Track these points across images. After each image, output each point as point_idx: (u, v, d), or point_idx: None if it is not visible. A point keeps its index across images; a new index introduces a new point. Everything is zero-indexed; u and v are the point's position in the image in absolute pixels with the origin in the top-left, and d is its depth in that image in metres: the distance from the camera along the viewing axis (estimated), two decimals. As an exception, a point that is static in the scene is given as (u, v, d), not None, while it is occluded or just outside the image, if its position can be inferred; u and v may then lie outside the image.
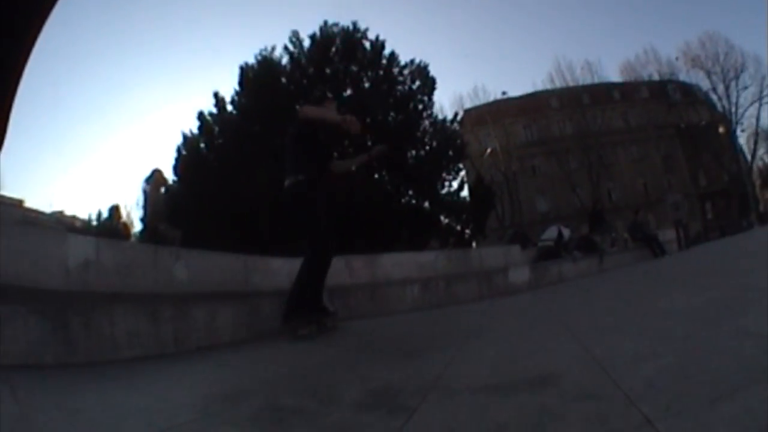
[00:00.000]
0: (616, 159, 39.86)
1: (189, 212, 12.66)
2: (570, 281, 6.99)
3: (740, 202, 25.43)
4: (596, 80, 39.92)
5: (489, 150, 34.59)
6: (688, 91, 42.84)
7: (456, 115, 21.97)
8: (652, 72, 42.15)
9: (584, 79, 39.70)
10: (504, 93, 38.66)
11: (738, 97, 40.62)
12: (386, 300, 4.84)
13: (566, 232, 9.95)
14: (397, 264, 5.83)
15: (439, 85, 17.87)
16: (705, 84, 41.19)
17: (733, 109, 40.73)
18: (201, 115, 15.69)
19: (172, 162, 15.55)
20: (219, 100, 15.61)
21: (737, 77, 40.67)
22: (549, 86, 39.81)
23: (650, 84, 41.84)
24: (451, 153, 18.74)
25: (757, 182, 46.00)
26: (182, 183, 15.07)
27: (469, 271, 6.46)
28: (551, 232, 9.99)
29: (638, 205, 24.05)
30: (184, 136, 15.79)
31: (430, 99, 18.48)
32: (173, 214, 9.73)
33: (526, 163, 35.53)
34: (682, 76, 42.20)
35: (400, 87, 17.68)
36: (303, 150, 3.05)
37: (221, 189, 13.05)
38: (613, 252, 10.81)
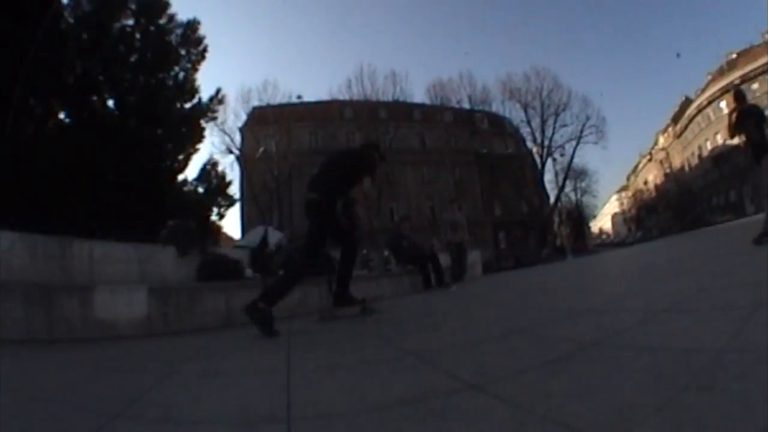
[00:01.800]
0: (404, 178, 37.68)
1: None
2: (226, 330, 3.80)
3: (539, 234, 23.87)
4: (399, 96, 38.11)
5: (261, 149, 32.07)
6: (497, 121, 42.45)
7: (218, 91, 20.12)
8: (463, 97, 41.21)
9: (386, 93, 37.63)
10: (299, 97, 35.75)
11: (554, 133, 40.83)
12: None
13: (276, 237, 6.79)
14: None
15: (228, 74, 17.49)
16: (521, 116, 41.31)
17: (546, 143, 40.55)
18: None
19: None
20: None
21: (558, 114, 40.99)
22: (347, 95, 37.70)
23: (457, 110, 41.04)
24: (184, 130, 16.84)
25: (557, 219, 44.56)
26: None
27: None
28: (254, 235, 6.83)
29: (405, 215, 20.80)
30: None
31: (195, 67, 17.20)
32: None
33: (303, 170, 27.76)
34: (497, 106, 42.10)
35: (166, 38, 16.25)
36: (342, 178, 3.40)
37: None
38: (371, 275, 8.31)
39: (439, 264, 7.13)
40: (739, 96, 4.70)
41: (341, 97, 37.86)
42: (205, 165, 20.69)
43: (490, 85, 47.02)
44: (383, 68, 58.61)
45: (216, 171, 20.64)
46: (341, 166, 3.45)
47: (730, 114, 4.48)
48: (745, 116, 4.34)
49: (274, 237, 6.61)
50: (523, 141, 42.22)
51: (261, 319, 2.78)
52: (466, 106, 41.54)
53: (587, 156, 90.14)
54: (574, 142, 40.76)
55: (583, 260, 14.00)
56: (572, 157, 41.27)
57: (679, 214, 47.21)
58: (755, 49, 40.25)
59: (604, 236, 73.31)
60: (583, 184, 46.85)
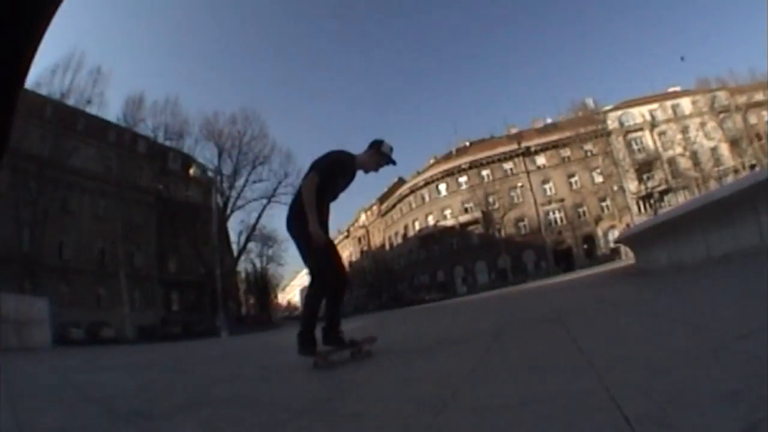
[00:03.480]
0: (80, 207, 29.23)
1: None
2: None
3: (220, 300, 21.86)
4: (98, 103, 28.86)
5: None
6: (189, 163, 34.29)
7: None
8: (161, 124, 32.83)
9: (86, 93, 28.03)
10: None
11: (245, 186, 35.34)
12: None
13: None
14: None
15: None
16: (215, 161, 34.78)
17: (234, 196, 35.10)
18: None
19: None
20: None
21: (255, 166, 35.38)
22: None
23: (152, 141, 32.97)
24: None
25: (243, 286, 44.24)
26: None
27: None
28: None
29: None
30: None
31: None
32: None
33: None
34: (191, 144, 34.71)
35: None
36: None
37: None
38: None
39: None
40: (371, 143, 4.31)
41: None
42: None
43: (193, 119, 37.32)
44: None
45: None
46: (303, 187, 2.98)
47: None
48: None
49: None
50: (215, 191, 33.44)
51: (303, 342, 2.79)
52: (161, 137, 33.20)
53: (279, 220, 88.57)
54: (265, 201, 35.61)
55: (236, 340, 12.22)
56: (259, 217, 35.90)
57: (376, 292, 48.54)
58: (493, 140, 46.06)
59: (295, 311, 66.93)
60: (270, 251, 42.33)
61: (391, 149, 3.14)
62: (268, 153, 35.96)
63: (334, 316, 3.05)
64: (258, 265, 45.01)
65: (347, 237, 63.07)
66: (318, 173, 2.87)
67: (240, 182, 35.35)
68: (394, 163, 3.16)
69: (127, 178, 30.90)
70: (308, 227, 2.75)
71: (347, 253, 61.35)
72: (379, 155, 3.10)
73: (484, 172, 41.23)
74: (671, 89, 47.00)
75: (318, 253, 2.86)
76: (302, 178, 3.09)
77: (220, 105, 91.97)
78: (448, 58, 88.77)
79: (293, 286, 72.15)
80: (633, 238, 9.85)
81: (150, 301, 30.88)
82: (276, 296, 69.05)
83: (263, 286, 47.40)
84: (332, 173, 2.97)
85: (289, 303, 75.56)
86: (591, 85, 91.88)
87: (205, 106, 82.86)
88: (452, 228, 42.04)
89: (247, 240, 37.24)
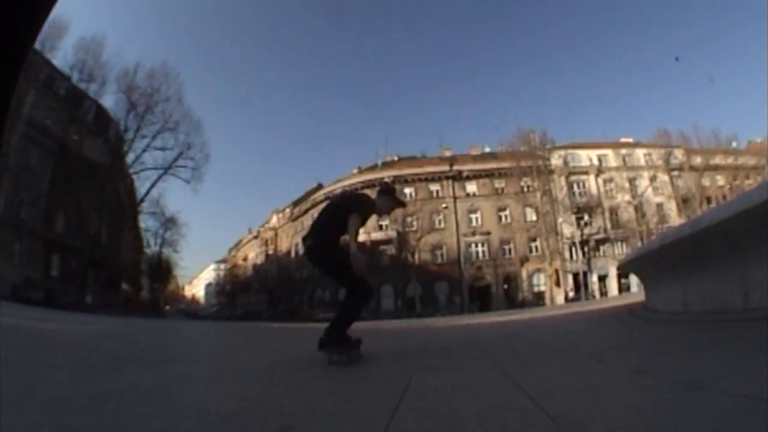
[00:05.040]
0: None
1: None
2: None
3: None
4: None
5: None
6: (105, 117, 31.48)
7: None
8: (80, 62, 29.28)
9: None
10: None
11: (144, 152, 31.35)
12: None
13: None
14: None
15: None
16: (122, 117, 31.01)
17: (132, 158, 31.61)
18: None
19: None
20: None
21: (160, 131, 31.40)
22: None
23: (70, 84, 29.37)
24: None
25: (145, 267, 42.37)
26: None
27: None
28: None
29: None
30: None
31: None
32: None
33: None
34: (101, 90, 30.62)
35: None
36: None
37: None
38: None
39: None
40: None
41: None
42: None
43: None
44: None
45: None
46: (332, 208, 3.50)
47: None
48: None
49: None
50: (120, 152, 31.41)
51: (338, 347, 3.04)
52: (76, 77, 29.46)
53: (174, 196, 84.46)
54: (161, 171, 31.85)
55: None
56: (151, 187, 32.08)
57: (274, 300, 45.26)
58: (424, 159, 42.92)
59: (197, 305, 65.83)
60: (168, 234, 39.05)
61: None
62: (178, 119, 32.14)
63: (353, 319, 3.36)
64: (154, 246, 41.56)
65: (256, 237, 59.01)
66: (360, 216, 3.31)
67: (141, 145, 31.44)
68: (404, 205, 3.95)
69: (35, 115, 26.96)
70: (350, 252, 3.25)
71: (253, 254, 57.71)
72: (393, 201, 3.65)
73: (407, 190, 37.60)
74: (623, 139, 44.47)
75: (357, 270, 3.29)
76: (332, 211, 3.47)
77: (143, 56, 75.71)
78: (389, 69, 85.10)
79: (201, 279, 67.97)
80: (645, 261, 6.58)
81: (28, 258, 26.52)
82: (181, 287, 64.94)
83: (157, 269, 43.77)
84: (364, 217, 3.43)
85: (193, 297, 70.87)
86: (541, 120, 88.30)
87: (129, 55, 70.79)
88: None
89: (135, 212, 33.65)
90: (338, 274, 3.38)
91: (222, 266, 68.99)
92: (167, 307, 49.20)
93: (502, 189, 39.57)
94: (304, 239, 3.39)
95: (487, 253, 38.43)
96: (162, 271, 45.67)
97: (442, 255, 38.28)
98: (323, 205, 3.99)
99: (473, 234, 38.65)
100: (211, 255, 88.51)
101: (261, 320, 31.24)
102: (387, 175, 39.91)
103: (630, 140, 44.56)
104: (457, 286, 37.76)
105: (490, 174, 39.61)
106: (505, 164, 39.08)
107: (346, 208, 3.33)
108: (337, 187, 41.93)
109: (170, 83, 32.14)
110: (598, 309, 12.23)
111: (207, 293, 68.41)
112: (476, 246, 38.60)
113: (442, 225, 38.42)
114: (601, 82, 77.98)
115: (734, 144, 45.76)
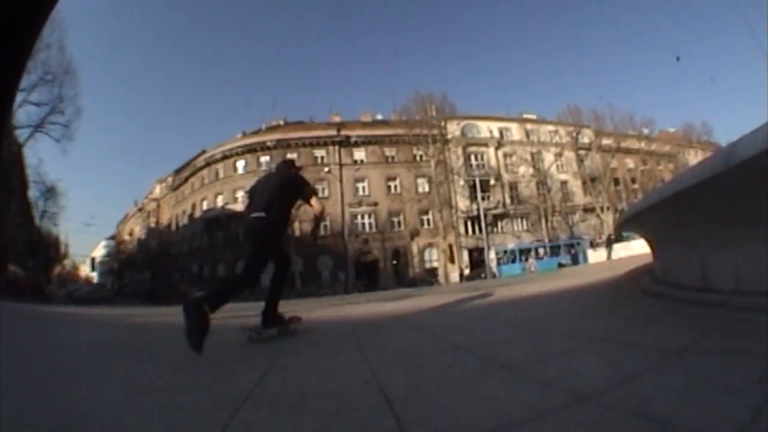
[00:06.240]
0: None
1: None
2: None
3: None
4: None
5: None
6: None
7: None
8: None
9: None
10: None
11: (20, 107, 25.09)
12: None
13: None
14: None
15: None
16: None
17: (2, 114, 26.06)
18: None
19: None
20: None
21: (37, 86, 25.64)
22: None
23: None
24: None
25: None
26: None
27: None
28: None
29: None
30: None
31: None
32: None
33: None
34: None
35: None
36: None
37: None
38: None
39: None
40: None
41: None
42: None
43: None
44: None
45: None
46: (282, 189, 3.46)
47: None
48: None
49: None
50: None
51: (197, 322, 2.57)
52: None
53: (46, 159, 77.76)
54: (31, 129, 26.88)
55: None
56: (20, 148, 27.32)
57: (158, 278, 41.60)
58: (311, 124, 40.19)
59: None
60: (48, 205, 34.44)
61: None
62: (58, 71, 26.91)
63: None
64: (36, 220, 35.89)
65: (140, 210, 53.75)
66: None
67: (18, 99, 26.65)
68: None
69: None
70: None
71: (137, 228, 52.68)
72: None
73: (291, 155, 34.39)
74: (526, 115, 42.91)
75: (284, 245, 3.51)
76: (286, 188, 3.52)
77: None
78: (279, 31, 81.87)
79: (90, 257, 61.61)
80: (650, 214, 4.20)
81: None
82: (76, 268, 58.51)
83: (38, 246, 38.06)
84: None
85: (87, 278, 64.09)
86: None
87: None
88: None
89: (25, 183, 29.43)
90: (271, 249, 3.42)
91: (112, 242, 63.42)
92: (53, 290, 43.31)
93: (393, 157, 36.77)
94: (251, 212, 3.37)
95: (374, 226, 35.24)
96: (44, 248, 39.98)
97: (325, 226, 34.82)
98: (263, 178, 3.25)
99: (359, 204, 35.42)
100: (104, 231, 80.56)
101: (133, 304, 25.56)
102: (270, 138, 36.46)
103: (533, 116, 43.11)
104: (341, 261, 34.31)
105: (380, 141, 36.80)
106: (399, 131, 36.44)
107: (299, 190, 3.56)
108: (217, 152, 38.21)
109: (53, 28, 27.68)
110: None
111: (100, 273, 62.08)
112: (362, 217, 35.35)
113: (326, 193, 35.03)
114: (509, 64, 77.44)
115: (645, 131, 45.15)
